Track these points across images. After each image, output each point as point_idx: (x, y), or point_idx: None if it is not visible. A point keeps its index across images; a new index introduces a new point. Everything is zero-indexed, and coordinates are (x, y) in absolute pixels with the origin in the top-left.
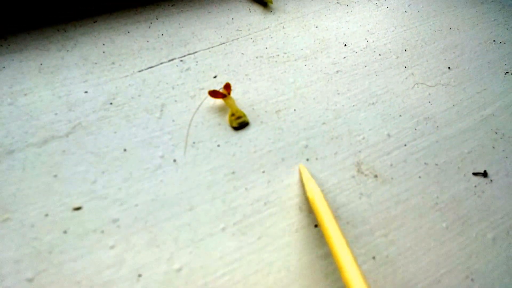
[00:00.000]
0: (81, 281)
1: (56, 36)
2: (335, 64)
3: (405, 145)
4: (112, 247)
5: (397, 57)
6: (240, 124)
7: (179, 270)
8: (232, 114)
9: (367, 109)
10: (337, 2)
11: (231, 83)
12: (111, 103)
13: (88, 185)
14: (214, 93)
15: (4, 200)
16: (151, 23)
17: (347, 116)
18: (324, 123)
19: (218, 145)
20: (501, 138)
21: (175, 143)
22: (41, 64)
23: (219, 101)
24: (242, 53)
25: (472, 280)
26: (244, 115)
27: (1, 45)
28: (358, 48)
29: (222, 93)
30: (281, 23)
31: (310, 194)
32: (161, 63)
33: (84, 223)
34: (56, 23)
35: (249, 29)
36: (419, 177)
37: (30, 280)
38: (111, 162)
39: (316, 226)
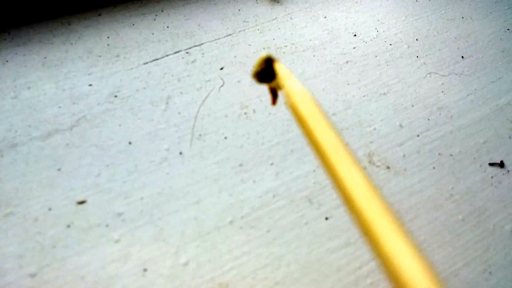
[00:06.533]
0: (85, 276)
1: (60, 29)
2: (344, 54)
3: (418, 135)
4: (117, 241)
5: (409, 47)
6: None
7: (185, 264)
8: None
9: (378, 100)
10: None
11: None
12: (115, 96)
13: (92, 179)
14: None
15: (7, 194)
16: (156, 15)
17: (357, 107)
18: (334, 114)
19: (225, 137)
20: None
21: (181, 135)
22: (45, 58)
23: (227, 93)
24: (249, 45)
25: (490, 273)
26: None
27: (5, 39)
28: (368, 38)
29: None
30: (289, 13)
31: (290, 97)
32: (167, 55)
33: (88, 217)
34: (60, 16)
35: (256, 20)
36: (433, 168)
37: (33, 275)
38: (116, 155)
39: (326, 218)
